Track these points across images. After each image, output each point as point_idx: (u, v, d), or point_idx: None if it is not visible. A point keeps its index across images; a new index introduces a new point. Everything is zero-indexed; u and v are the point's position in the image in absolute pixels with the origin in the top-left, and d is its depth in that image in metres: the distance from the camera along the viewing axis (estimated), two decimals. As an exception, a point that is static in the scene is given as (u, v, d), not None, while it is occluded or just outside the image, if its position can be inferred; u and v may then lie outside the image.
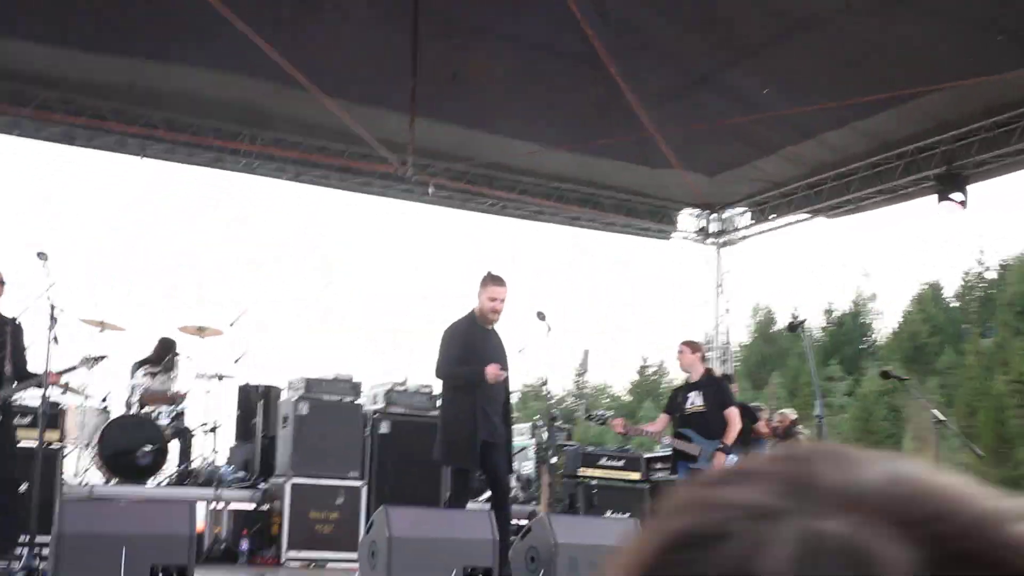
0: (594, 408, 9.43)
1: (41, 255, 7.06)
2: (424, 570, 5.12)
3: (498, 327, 7.27)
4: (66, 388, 8.44)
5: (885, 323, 59.02)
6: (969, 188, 10.93)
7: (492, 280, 7.26)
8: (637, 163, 12.75)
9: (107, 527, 5.00)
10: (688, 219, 14.13)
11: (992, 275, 57.03)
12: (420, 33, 9.39)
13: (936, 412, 8.12)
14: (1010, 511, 0.51)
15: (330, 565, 8.44)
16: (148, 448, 8.87)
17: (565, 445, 10.27)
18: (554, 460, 10.30)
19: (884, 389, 47.08)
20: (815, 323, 62.36)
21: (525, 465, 11.04)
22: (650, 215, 13.76)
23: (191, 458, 9.59)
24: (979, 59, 9.57)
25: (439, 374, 7.28)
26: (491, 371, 6.94)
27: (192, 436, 9.67)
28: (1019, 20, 9.17)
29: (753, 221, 13.69)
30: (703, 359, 8.63)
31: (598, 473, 9.87)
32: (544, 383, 10.15)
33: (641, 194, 13.57)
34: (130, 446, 8.85)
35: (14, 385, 7.10)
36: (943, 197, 10.91)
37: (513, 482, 10.91)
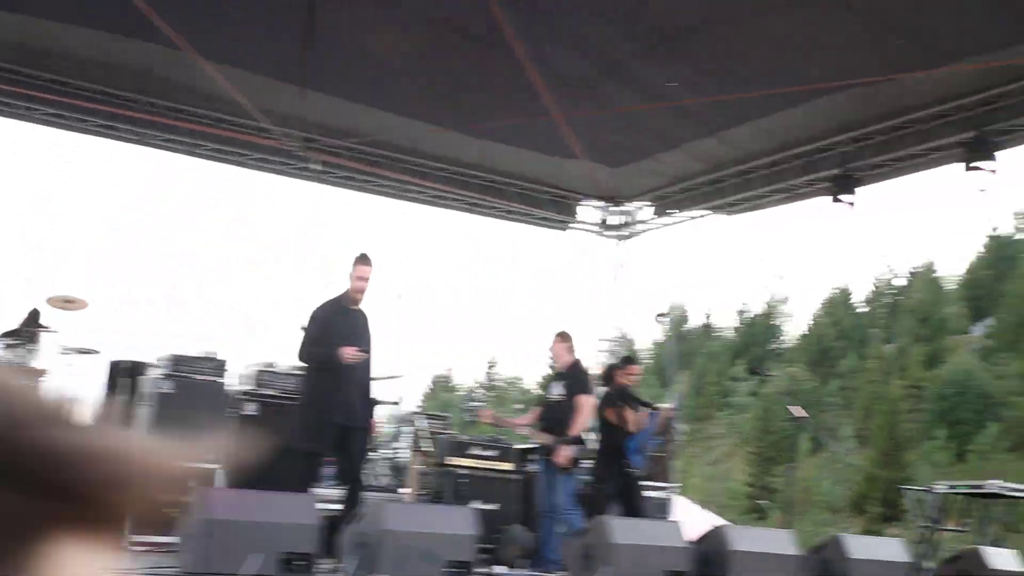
0: (476, 401, 9.25)
1: None
2: (239, 553, 4.86)
3: (365, 307, 7.05)
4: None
5: (795, 326, 60.13)
6: (863, 190, 10.96)
7: (360, 260, 7.15)
8: (541, 151, 12.55)
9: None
10: (589, 211, 13.97)
11: (901, 282, 58.43)
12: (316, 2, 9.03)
13: (797, 410, 8.15)
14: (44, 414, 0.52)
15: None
16: None
17: (439, 433, 10.04)
18: (427, 448, 10.08)
19: (786, 390, 47.87)
20: (728, 323, 63.29)
21: (402, 453, 10.79)
22: (551, 205, 13.56)
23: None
24: (878, 61, 9.53)
25: (299, 355, 7.09)
26: (347, 352, 6.73)
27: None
28: (916, 23, 9.13)
29: (655, 215, 13.57)
30: (571, 350, 8.51)
31: (468, 463, 9.64)
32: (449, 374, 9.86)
33: (543, 183, 13.37)
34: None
35: None
36: (836, 198, 10.89)
37: (386, 469, 10.66)
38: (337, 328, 6.99)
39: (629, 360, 9.38)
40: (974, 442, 38.88)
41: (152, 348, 9.47)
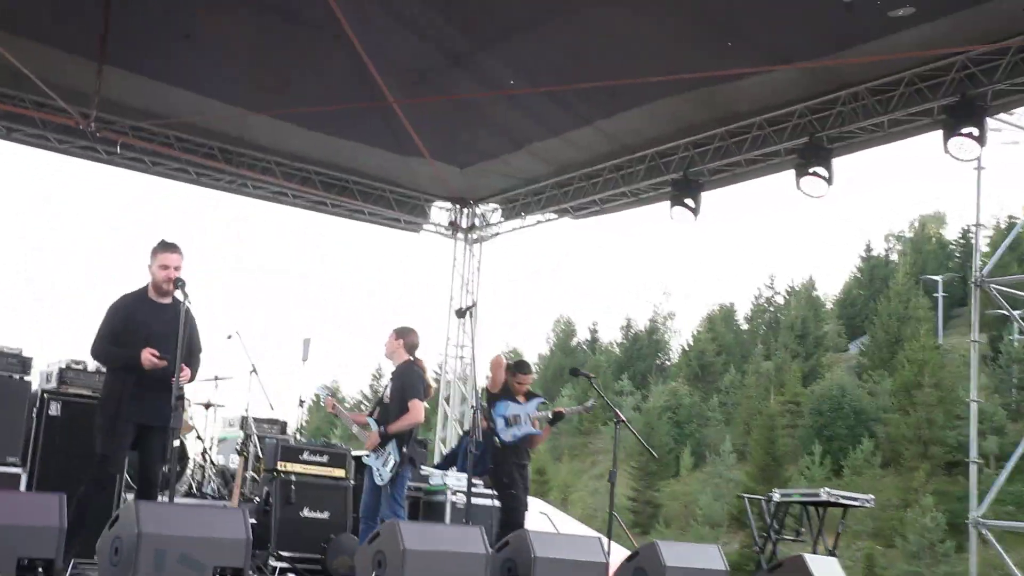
0: (328, 388, 8.79)
1: None
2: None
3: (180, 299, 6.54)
4: None
5: (679, 341, 60.83)
6: (703, 196, 10.90)
7: (164, 247, 6.59)
8: (386, 149, 12.26)
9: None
10: (439, 212, 13.73)
11: (780, 300, 59.56)
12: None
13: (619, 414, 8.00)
14: None
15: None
16: None
17: (267, 437, 9.65)
18: (253, 453, 9.68)
19: (668, 405, 48.30)
20: (613, 337, 63.76)
21: (232, 458, 10.36)
22: (399, 205, 13.28)
23: None
24: (713, 63, 9.49)
25: (92, 352, 6.55)
26: (146, 357, 6.25)
27: None
28: (747, 23, 9.10)
29: (503, 219, 13.39)
30: (408, 347, 8.09)
31: (298, 468, 9.25)
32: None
33: (391, 183, 13.09)
34: None
35: None
36: (676, 202, 10.84)
37: (212, 474, 10.21)
38: (141, 322, 6.46)
39: (521, 366, 9.04)
40: (848, 457, 39.65)
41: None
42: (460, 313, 7.54)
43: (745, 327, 59.32)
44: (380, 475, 7.78)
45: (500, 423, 8.71)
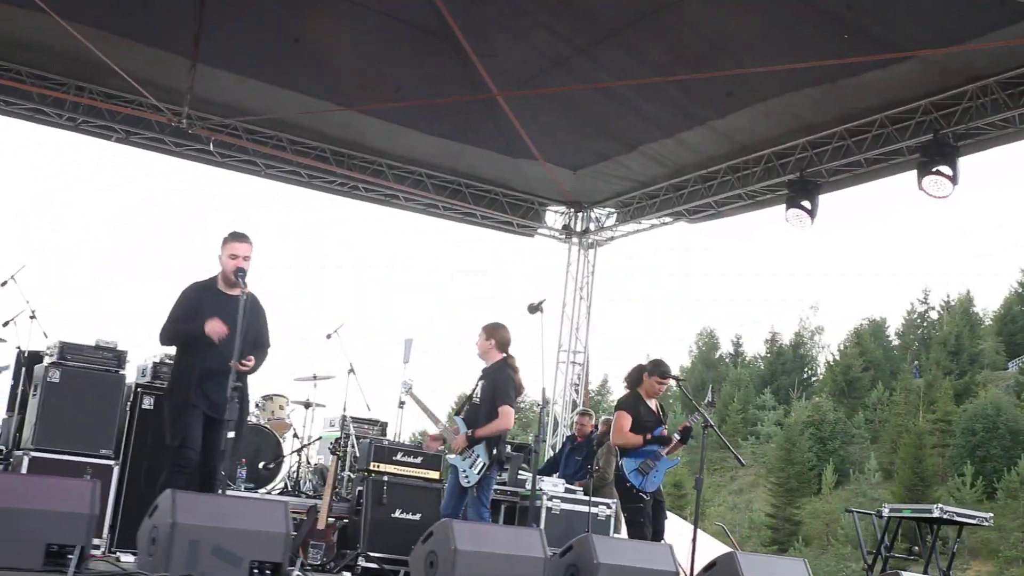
0: (410, 383, 8.47)
1: None
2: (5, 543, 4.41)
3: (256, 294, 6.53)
4: None
5: (826, 356, 58.96)
6: (820, 199, 10.40)
7: (233, 236, 6.56)
8: (498, 152, 12.15)
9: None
10: (553, 216, 13.53)
11: (935, 315, 57.16)
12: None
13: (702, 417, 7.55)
14: None
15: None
16: None
17: (363, 437, 9.59)
18: (351, 454, 9.65)
19: (811, 420, 46.87)
20: (757, 350, 62.28)
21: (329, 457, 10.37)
22: (512, 209, 13.12)
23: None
24: (831, 57, 9.02)
25: (160, 336, 6.53)
26: (212, 326, 6.18)
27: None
28: (865, 19, 8.62)
29: (617, 222, 13.09)
30: (499, 345, 7.75)
31: (391, 469, 9.17)
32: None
33: (504, 186, 12.95)
34: None
35: None
36: (792, 204, 10.36)
37: (309, 473, 10.24)
38: (207, 309, 6.40)
39: (659, 366, 8.24)
40: (1003, 480, 37.70)
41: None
42: (532, 309, 7.20)
43: (896, 342, 57.23)
44: (467, 477, 7.54)
45: (631, 469, 7.88)
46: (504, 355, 7.77)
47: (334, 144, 11.91)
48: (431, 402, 8.17)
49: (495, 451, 7.52)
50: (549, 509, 9.57)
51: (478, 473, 7.45)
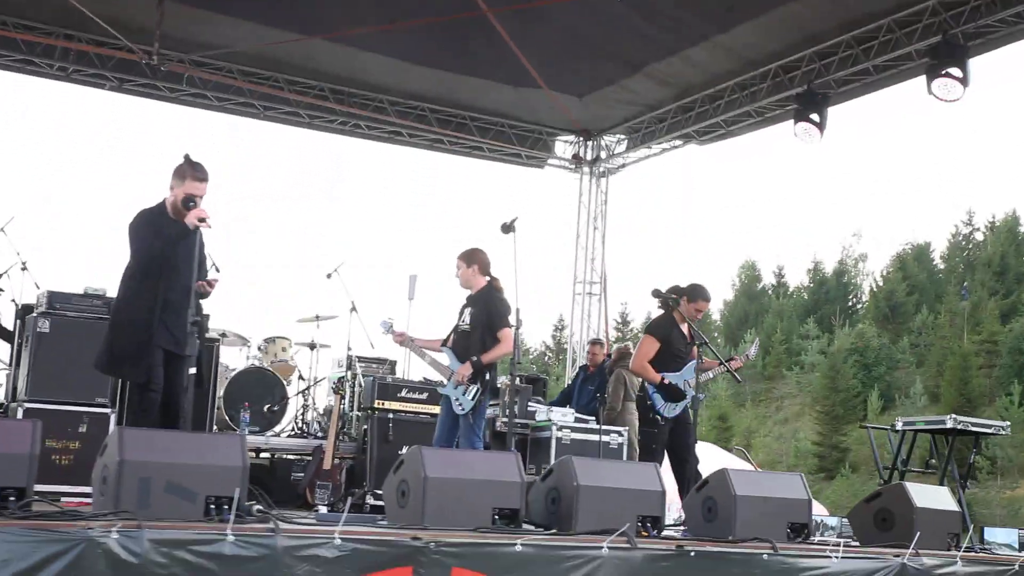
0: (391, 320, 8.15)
1: None
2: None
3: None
4: None
5: (870, 283, 58.06)
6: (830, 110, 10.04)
7: (195, 176, 5.95)
8: (501, 81, 11.85)
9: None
10: (562, 146, 13.24)
11: (980, 236, 56.02)
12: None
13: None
14: None
15: (64, 500, 7.24)
16: None
17: (366, 375, 9.47)
18: (358, 393, 9.55)
19: (854, 347, 46.25)
20: (799, 281, 61.53)
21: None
22: (520, 140, 12.85)
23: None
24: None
25: (139, 257, 5.94)
26: (195, 213, 5.76)
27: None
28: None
29: (628, 149, 12.79)
30: (482, 269, 7.42)
31: (396, 406, 9.08)
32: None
33: (510, 117, 12.67)
34: None
35: None
36: (800, 118, 10.01)
37: (317, 414, 10.16)
38: (167, 238, 5.92)
39: (698, 290, 7.88)
40: (1052, 398, 37.05)
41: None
42: (505, 228, 6.91)
43: (941, 266, 56.20)
44: (461, 404, 7.30)
45: (659, 401, 7.63)
46: (488, 278, 7.49)
47: (332, 82, 11.69)
48: (425, 339, 7.89)
49: (488, 376, 7.30)
50: (559, 439, 9.41)
51: (472, 399, 7.20)
